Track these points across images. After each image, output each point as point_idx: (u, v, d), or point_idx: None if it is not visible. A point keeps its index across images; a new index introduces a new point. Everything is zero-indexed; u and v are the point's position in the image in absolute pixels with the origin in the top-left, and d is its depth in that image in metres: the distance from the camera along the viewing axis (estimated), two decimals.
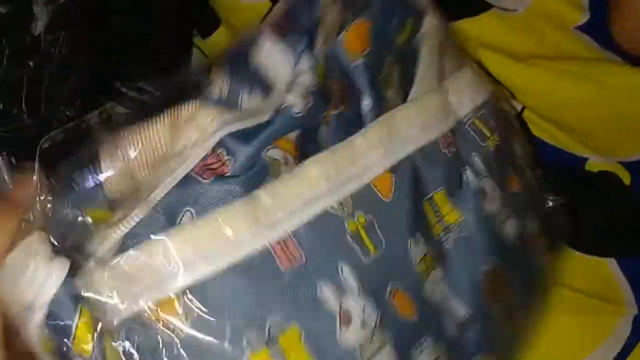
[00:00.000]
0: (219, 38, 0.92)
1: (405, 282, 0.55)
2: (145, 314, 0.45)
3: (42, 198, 0.47)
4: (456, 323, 0.59)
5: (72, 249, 0.46)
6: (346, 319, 0.50)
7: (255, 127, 0.53)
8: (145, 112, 0.53)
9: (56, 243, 0.46)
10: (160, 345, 0.45)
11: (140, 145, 0.51)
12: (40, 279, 0.44)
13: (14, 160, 0.50)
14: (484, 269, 0.62)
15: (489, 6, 0.91)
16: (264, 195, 0.50)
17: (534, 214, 0.70)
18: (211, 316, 0.46)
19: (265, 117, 0.54)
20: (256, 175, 0.51)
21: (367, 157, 0.57)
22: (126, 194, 0.50)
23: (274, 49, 0.58)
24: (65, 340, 0.44)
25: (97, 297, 0.45)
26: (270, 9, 0.83)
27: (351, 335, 0.50)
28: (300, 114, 0.55)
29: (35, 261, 0.44)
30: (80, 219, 0.48)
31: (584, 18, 0.92)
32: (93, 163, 0.49)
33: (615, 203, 0.84)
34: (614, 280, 0.82)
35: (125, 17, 0.85)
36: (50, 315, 0.44)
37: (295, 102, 0.55)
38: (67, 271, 0.44)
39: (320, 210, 0.52)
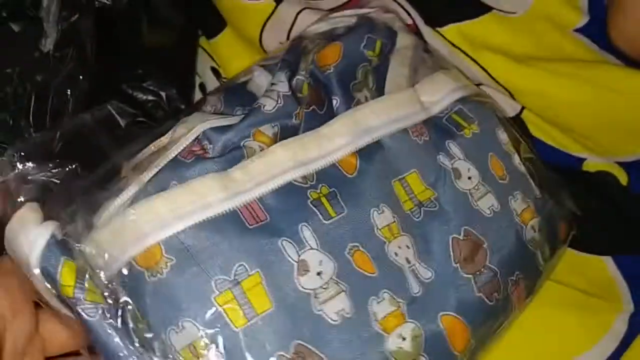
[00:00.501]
0: (225, 39, 0.94)
1: (365, 243, 0.63)
2: (131, 263, 0.56)
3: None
4: (421, 283, 0.65)
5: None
6: (303, 268, 0.59)
7: (233, 124, 0.65)
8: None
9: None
10: (142, 290, 0.56)
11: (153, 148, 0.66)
12: (30, 240, 0.56)
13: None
14: (455, 237, 0.68)
15: (488, 9, 0.93)
16: (235, 170, 0.61)
17: (522, 195, 0.75)
18: (185, 263, 0.57)
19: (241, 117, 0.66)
20: (232, 158, 0.63)
21: (333, 142, 0.66)
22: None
23: (261, 73, 0.73)
24: (55, 285, 0.55)
25: (93, 250, 0.57)
26: (274, 10, 0.85)
27: (307, 282, 0.59)
28: (271, 111, 0.67)
29: (26, 227, 0.56)
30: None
31: (583, 20, 0.93)
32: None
33: (612, 203, 0.85)
34: (611, 278, 0.83)
35: (132, 20, 0.85)
36: (43, 268, 0.55)
37: (266, 102, 0.68)
38: (51, 232, 0.56)
39: (284, 181, 0.62)
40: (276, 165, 0.63)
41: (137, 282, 0.56)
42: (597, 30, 0.92)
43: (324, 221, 0.62)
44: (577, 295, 0.80)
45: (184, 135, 0.64)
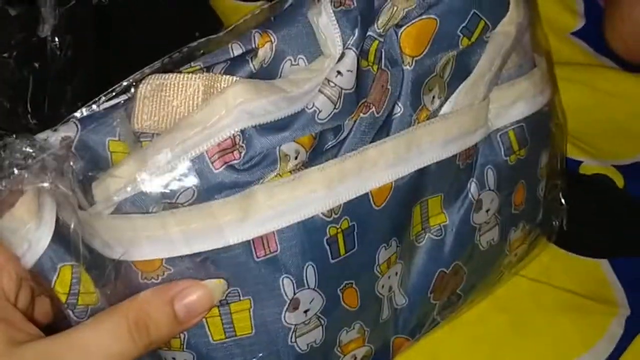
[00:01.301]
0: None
1: (360, 281, 0.62)
2: (126, 266, 0.54)
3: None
4: (392, 309, 0.67)
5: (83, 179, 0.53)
6: (294, 306, 0.58)
7: (277, 122, 0.55)
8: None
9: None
10: (134, 289, 0.54)
11: (179, 96, 0.55)
12: (26, 244, 0.53)
13: None
14: (442, 271, 0.68)
15: None
16: (260, 193, 0.55)
17: (525, 224, 0.74)
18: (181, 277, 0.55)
19: (291, 109, 0.56)
20: (262, 169, 0.55)
21: (376, 167, 0.59)
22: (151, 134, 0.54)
23: (331, 17, 0.58)
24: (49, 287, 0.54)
25: (90, 244, 0.54)
26: None
27: (292, 318, 0.58)
28: (325, 120, 0.57)
29: (22, 227, 0.53)
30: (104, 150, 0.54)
31: (579, 24, 0.90)
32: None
33: (608, 205, 0.85)
34: (607, 281, 0.84)
35: (128, 20, 0.85)
36: (37, 269, 0.53)
37: (323, 108, 0.57)
38: (50, 238, 0.52)
39: (310, 214, 0.56)
40: (307, 192, 0.56)
41: (130, 280, 0.55)
42: (594, 33, 0.89)
43: (331, 260, 0.59)
44: (573, 298, 0.81)
45: (219, 120, 0.54)
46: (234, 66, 0.57)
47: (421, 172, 0.62)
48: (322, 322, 0.60)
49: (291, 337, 0.59)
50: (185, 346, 0.57)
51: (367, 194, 0.59)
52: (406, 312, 0.68)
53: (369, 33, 0.59)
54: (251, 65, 0.57)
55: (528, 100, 0.68)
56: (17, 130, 0.58)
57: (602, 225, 0.84)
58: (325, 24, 0.58)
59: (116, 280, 0.55)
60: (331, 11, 0.58)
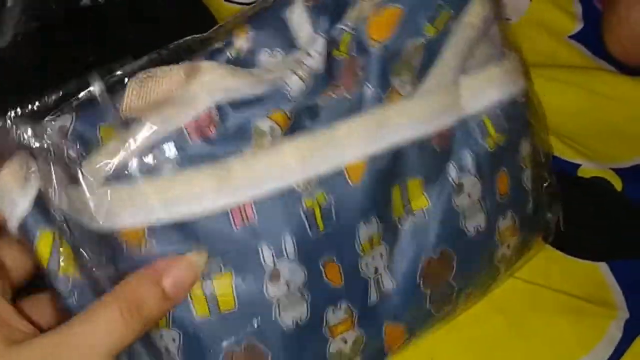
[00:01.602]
0: None
1: (341, 257, 0.63)
2: (114, 236, 0.56)
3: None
4: (380, 292, 0.67)
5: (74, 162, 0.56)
6: (275, 277, 0.60)
7: (250, 100, 0.60)
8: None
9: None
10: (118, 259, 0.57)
11: (163, 84, 0.59)
12: (10, 206, 0.57)
13: None
14: (429, 256, 0.68)
15: None
16: (236, 164, 0.58)
17: (513, 214, 0.73)
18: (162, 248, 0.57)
19: (264, 89, 0.60)
20: (238, 143, 0.59)
21: (347, 144, 0.62)
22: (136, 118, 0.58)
23: (303, 11, 0.64)
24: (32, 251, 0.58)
25: (76, 216, 0.57)
26: None
27: (273, 290, 0.60)
28: (296, 95, 0.61)
29: (7, 190, 0.57)
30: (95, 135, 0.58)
31: (577, 27, 0.91)
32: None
33: (607, 208, 0.85)
34: (606, 283, 0.84)
35: (125, 21, 0.85)
36: (22, 236, 0.57)
37: (292, 83, 0.61)
38: (31, 198, 0.57)
39: (284, 185, 0.59)
40: (280, 165, 0.60)
41: (116, 254, 0.58)
42: (592, 36, 0.91)
43: (309, 231, 0.61)
44: (571, 301, 0.81)
45: (195, 97, 0.58)
46: (212, 56, 0.63)
47: (395, 152, 0.64)
48: (306, 297, 0.62)
49: (275, 312, 0.60)
50: (171, 324, 0.59)
51: (341, 170, 0.62)
52: (395, 297, 0.67)
53: (340, 26, 0.64)
54: (227, 54, 0.63)
55: (499, 87, 0.71)
56: None
57: (601, 227, 0.83)
58: (298, 17, 0.64)
59: (104, 256, 0.58)
60: (302, 6, 0.64)
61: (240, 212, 0.58)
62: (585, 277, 0.83)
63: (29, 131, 0.55)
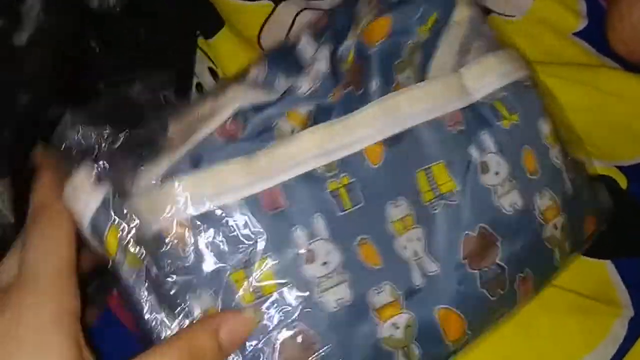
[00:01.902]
0: (223, 39, 0.93)
1: (375, 236, 0.66)
2: (164, 232, 0.62)
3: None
4: (424, 275, 0.67)
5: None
6: (310, 258, 0.63)
7: (269, 102, 0.68)
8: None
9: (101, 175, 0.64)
10: (169, 257, 0.62)
11: (199, 109, 0.68)
12: (83, 203, 0.63)
13: None
14: (467, 234, 0.69)
15: (487, 12, 0.92)
16: (261, 155, 0.64)
17: (552, 192, 0.74)
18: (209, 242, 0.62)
19: (278, 95, 0.69)
20: (262, 141, 0.65)
21: (362, 129, 0.67)
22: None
23: (308, 42, 0.74)
24: (102, 247, 0.63)
25: (135, 217, 0.62)
26: (273, 11, 0.85)
27: (311, 270, 0.63)
28: (307, 92, 0.68)
29: (80, 190, 0.63)
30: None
31: (581, 24, 0.92)
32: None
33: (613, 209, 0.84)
34: (611, 282, 0.83)
35: (127, 20, 0.85)
36: (93, 231, 0.63)
37: (302, 84, 0.69)
38: (102, 197, 0.62)
39: (306, 170, 0.64)
40: (301, 152, 0.65)
41: (160, 247, 0.62)
42: (596, 34, 0.91)
43: (339, 212, 0.65)
44: (576, 298, 0.81)
45: (222, 108, 0.67)
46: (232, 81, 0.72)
47: (411, 136, 0.69)
48: (346, 277, 0.64)
49: (316, 292, 0.63)
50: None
51: (360, 153, 0.67)
52: (442, 280, 0.68)
53: (344, 46, 0.71)
54: (246, 79, 0.72)
55: (500, 73, 0.74)
56: None
57: (607, 226, 0.83)
58: (305, 46, 0.74)
59: (157, 255, 0.63)
60: (308, 36, 0.74)
61: (270, 198, 0.63)
62: (590, 275, 0.83)
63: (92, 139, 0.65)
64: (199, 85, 0.93)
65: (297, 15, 0.93)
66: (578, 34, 0.92)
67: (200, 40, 0.94)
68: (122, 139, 0.65)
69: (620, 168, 0.87)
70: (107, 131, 0.65)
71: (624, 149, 0.88)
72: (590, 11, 0.93)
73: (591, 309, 0.80)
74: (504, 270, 0.70)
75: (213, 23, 0.94)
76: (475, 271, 0.69)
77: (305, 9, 0.93)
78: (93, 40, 0.83)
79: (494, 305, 0.70)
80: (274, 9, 0.93)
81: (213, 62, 0.93)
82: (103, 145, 0.65)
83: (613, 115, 0.89)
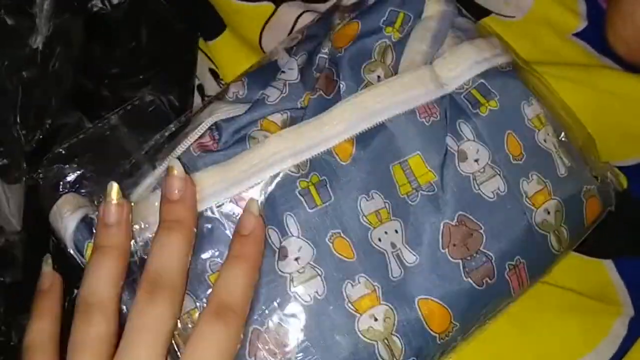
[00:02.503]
0: (224, 42, 0.94)
1: (348, 229, 0.67)
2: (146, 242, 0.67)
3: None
4: (403, 267, 0.68)
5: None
6: (283, 254, 0.66)
7: (240, 113, 0.72)
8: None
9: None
10: None
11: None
12: (64, 226, 0.68)
13: None
14: (446, 223, 0.69)
15: (487, 12, 0.92)
16: (234, 162, 0.68)
17: (540, 176, 0.73)
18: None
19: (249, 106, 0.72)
20: (235, 150, 0.69)
21: (331, 129, 0.69)
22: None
23: (284, 57, 0.78)
24: (83, 258, 0.68)
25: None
26: (273, 13, 0.86)
27: (285, 267, 0.66)
28: (274, 102, 0.72)
29: (61, 216, 0.69)
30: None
31: (581, 25, 0.91)
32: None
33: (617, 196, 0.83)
34: (611, 281, 0.82)
35: (127, 24, 0.87)
36: (75, 248, 0.68)
37: (270, 93, 0.73)
38: (79, 219, 0.68)
39: (276, 171, 0.68)
40: (272, 155, 0.68)
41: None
42: (596, 34, 0.90)
43: (309, 210, 0.67)
44: (577, 298, 0.80)
45: (199, 124, 0.71)
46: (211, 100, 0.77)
47: (383, 131, 0.70)
48: (319, 271, 0.66)
49: (289, 286, 0.65)
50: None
51: (330, 151, 0.69)
52: (423, 270, 0.68)
53: (320, 55, 0.75)
54: (225, 97, 0.76)
55: (476, 60, 0.75)
56: (7, 140, 0.74)
57: (607, 225, 0.82)
58: (281, 60, 0.78)
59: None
60: (283, 51, 0.79)
61: (242, 200, 0.67)
62: (590, 275, 0.81)
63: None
64: (200, 87, 0.95)
65: (298, 17, 0.95)
66: (578, 35, 0.92)
67: (201, 42, 0.96)
68: (105, 166, 0.71)
69: (621, 168, 0.85)
70: (88, 162, 0.72)
71: (624, 149, 0.87)
72: (590, 12, 0.92)
73: (591, 308, 0.79)
74: (490, 259, 0.69)
75: (214, 25, 0.96)
76: (457, 260, 0.69)
77: (305, 11, 0.95)
78: (96, 43, 0.84)
79: (484, 296, 0.70)
80: (274, 11, 0.94)
81: (214, 64, 0.95)
82: (84, 173, 0.71)
83: (613, 116, 0.87)
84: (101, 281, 0.63)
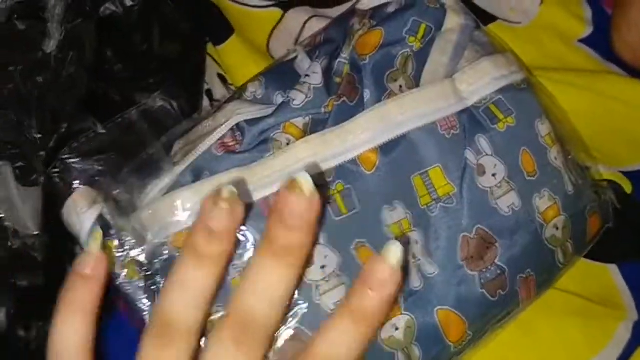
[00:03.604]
0: (232, 46, 0.95)
1: (372, 239, 0.67)
2: (166, 243, 0.65)
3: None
4: (423, 277, 0.69)
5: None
6: (310, 262, 0.65)
7: (265, 116, 0.71)
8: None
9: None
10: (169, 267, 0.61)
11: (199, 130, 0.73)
12: (79, 222, 0.66)
13: None
14: (465, 236, 0.70)
15: (493, 18, 0.93)
16: (257, 166, 0.67)
17: (551, 193, 0.74)
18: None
19: (274, 109, 0.71)
20: (259, 152, 0.68)
21: (356, 137, 0.69)
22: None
23: (303, 58, 0.77)
24: None
25: (135, 228, 0.66)
26: (281, 18, 0.85)
27: (310, 274, 0.65)
28: (299, 105, 0.71)
29: (76, 211, 0.67)
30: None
31: (587, 31, 0.93)
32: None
33: (617, 211, 0.84)
34: (615, 285, 0.84)
35: (136, 29, 0.86)
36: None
37: (296, 97, 0.72)
38: (96, 216, 0.66)
39: None
40: (296, 161, 0.67)
41: (171, 260, 0.65)
42: (601, 41, 0.92)
43: (334, 218, 0.67)
44: (581, 302, 0.81)
45: (220, 125, 0.70)
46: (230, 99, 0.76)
47: (406, 142, 0.70)
48: (343, 280, 0.66)
49: (315, 295, 0.65)
50: None
51: (354, 160, 0.69)
52: (441, 282, 0.69)
53: (339, 60, 0.75)
54: (243, 96, 0.76)
55: (495, 76, 0.75)
56: (23, 143, 0.72)
57: (611, 230, 0.83)
58: (300, 62, 0.77)
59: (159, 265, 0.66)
60: (303, 52, 0.78)
61: (268, 206, 0.66)
62: (594, 279, 0.83)
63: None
64: (208, 91, 0.95)
65: (306, 22, 0.94)
66: (583, 41, 0.93)
67: (210, 47, 0.96)
68: (120, 163, 0.69)
69: (625, 173, 0.87)
70: (106, 159, 0.70)
71: (628, 154, 0.89)
72: (595, 18, 0.93)
73: (595, 312, 0.81)
74: (504, 271, 0.71)
75: (222, 30, 0.95)
76: (475, 272, 0.70)
77: (314, 16, 0.94)
78: (106, 48, 0.83)
79: (496, 306, 0.71)
80: (282, 16, 0.94)
81: (222, 69, 0.95)
82: (100, 170, 0.69)
83: (618, 121, 0.89)
84: (189, 297, 0.52)
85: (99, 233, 0.58)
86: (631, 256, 0.85)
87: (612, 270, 0.84)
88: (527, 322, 0.78)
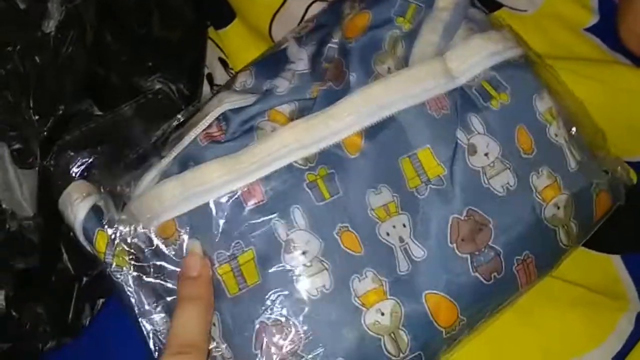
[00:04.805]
0: (234, 31, 0.95)
1: (355, 224, 0.67)
2: (155, 232, 0.67)
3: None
4: (411, 261, 0.68)
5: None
6: (290, 248, 0.65)
7: (249, 105, 0.71)
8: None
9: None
10: (157, 255, 0.68)
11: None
12: (74, 213, 0.69)
13: None
14: (455, 217, 0.69)
15: (499, 5, 0.92)
16: (242, 154, 0.67)
17: (550, 170, 0.72)
18: (193, 239, 0.66)
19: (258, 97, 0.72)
20: (243, 141, 0.69)
21: (340, 121, 0.69)
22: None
23: (293, 46, 0.77)
24: (92, 246, 0.68)
25: (126, 219, 0.68)
26: (284, 2, 0.86)
27: (291, 260, 0.65)
28: (283, 92, 0.72)
29: (71, 202, 0.69)
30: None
31: (593, 20, 0.91)
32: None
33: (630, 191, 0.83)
34: (618, 276, 0.82)
35: (142, 13, 0.86)
36: (84, 236, 0.69)
37: (279, 84, 0.73)
38: (89, 207, 0.68)
39: (284, 164, 0.67)
40: (281, 147, 0.67)
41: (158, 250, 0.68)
42: (607, 29, 0.90)
43: (317, 203, 0.67)
44: (583, 293, 0.80)
45: (207, 114, 0.71)
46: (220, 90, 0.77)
47: (393, 124, 0.70)
48: (326, 265, 0.66)
49: (296, 281, 0.65)
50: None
51: (339, 144, 0.68)
52: (430, 264, 0.68)
53: (329, 45, 0.75)
54: (232, 87, 0.76)
55: (488, 53, 0.74)
56: (20, 125, 0.73)
57: (615, 221, 0.82)
58: (291, 48, 0.77)
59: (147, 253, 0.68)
60: (293, 39, 0.78)
61: (250, 193, 0.66)
62: (598, 270, 0.82)
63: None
64: (209, 75, 0.95)
65: (309, 6, 0.94)
66: (589, 30, 0.91)
67: (211, 31, 0.96)
68: (115, 155, 0.72)
69: (631, 164, 0.85)
70: (100, 151, 0.73)
71: (634, 144, 0.87)
72: (601, 7, 0.92)
73: (598, 303, 0.79)
74: (498, 254, 0.69)
75: (224, 14, 0.96)
76: (466, 255, 0.68)
77: (316, 0, 0.94)
78: (106, 30, 0.83)
79: (491, 290, 0.69)
80: (285, 0, 0.94)
81: (224, 53, 0.95)
82: (95, 162, 0.72)
83: (623, 111, 0.87)
84: (193, 324, 0.64)
85: (104, 233, 0.68)
86: (635, 247, 0.83)
87: (616, 261, 0.83)
88: (528, 311, 0.77)
